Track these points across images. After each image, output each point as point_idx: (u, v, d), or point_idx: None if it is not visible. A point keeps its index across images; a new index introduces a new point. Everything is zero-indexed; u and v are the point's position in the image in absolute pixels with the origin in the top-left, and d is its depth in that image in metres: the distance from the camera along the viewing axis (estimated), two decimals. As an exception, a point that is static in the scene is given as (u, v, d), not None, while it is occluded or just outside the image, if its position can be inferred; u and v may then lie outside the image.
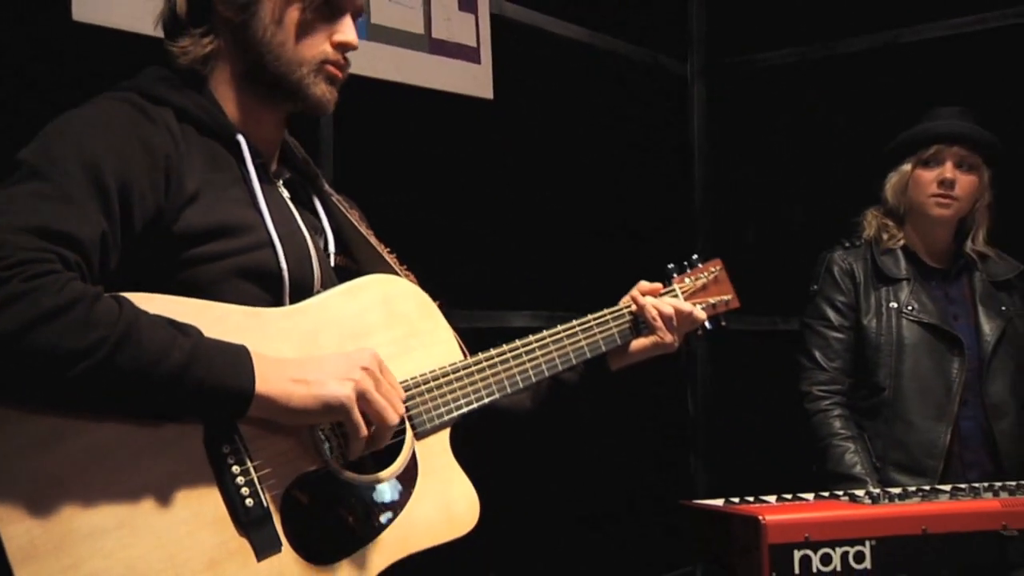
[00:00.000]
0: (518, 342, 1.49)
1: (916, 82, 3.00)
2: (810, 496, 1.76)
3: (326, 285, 1.34)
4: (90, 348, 1.02)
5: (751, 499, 1.72)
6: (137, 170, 1.16)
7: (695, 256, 1.79)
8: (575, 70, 2.92)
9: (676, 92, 3.31)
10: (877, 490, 1.81)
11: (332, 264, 1.40)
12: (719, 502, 1.72)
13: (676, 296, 1.72)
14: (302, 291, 1.29)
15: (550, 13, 2.75)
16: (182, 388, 1.08)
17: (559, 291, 2.73)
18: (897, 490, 1.80)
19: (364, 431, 1.21)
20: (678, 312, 1.65)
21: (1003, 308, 2.40)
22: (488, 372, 1.43)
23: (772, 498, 1.73)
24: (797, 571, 1.55)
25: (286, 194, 1.38)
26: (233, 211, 1.25)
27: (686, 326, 1.69)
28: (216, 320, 1.15)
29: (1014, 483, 1.85)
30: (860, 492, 1.78)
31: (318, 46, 1.31)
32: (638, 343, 1.66)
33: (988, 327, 2.38)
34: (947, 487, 1.85)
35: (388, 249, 1.47)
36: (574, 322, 1.59)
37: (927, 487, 1.85)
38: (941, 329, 2.36)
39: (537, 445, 2.57)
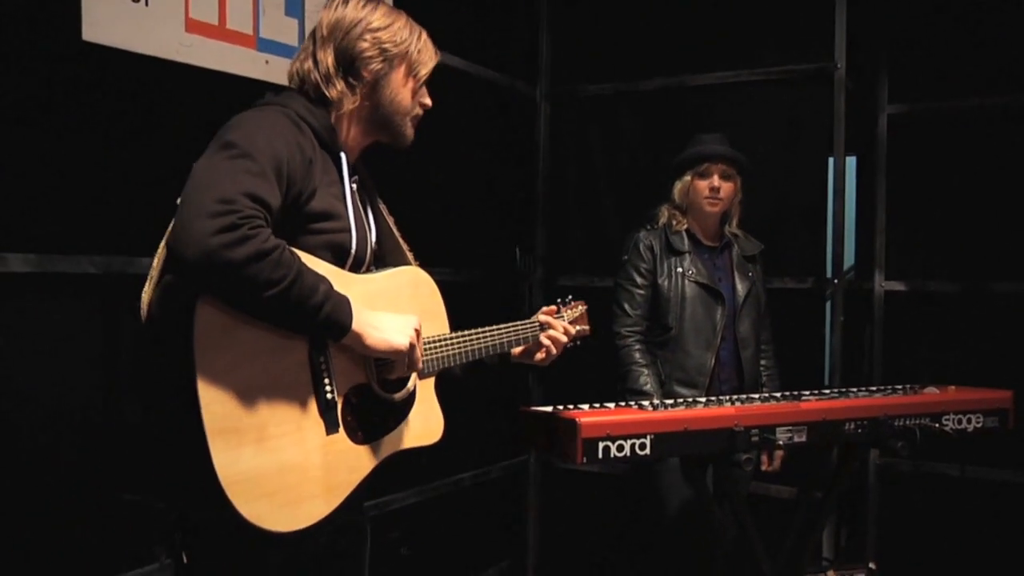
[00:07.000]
0: (478, 330, 1.68)
1: (694, 112, 3.20)
2: (611, 405, 1.88)
3: (369, 265, 1.51)
4: (280, 279, 1.21)
5: (571, 406, 1.82)
6: (296, 165, 1.33)
7: (569, 297, 1.97)
8: (454, 89, 2.95)
9: (528, 109, 3.38)
10: (657, 401, 1.96)
11: (373, 250, 1.54)
12: (549, 408, 1.81)
13: (563, 319, 1.90)
14: (357, 265, 1.46)
15: (437, 46, 2.78)
16: (317, 316, 1.27)
17: (434, 252, 2.80)
18: (670, 401, 1.96)
19: (407, 369, 1.42)
20: (566, 330, 1.85)
21: (750, 274, 2.66)
22: (462, 344, 1.62)
23: (585, 406, 1.84)
24: (600, 456, 1.68)
25: (358, 197, 1.51)
26: (334, 204, 1.42)
27: (569, 340, 1.87)
28: (326, 274, 1.32)
29: (744, 395, 2.06)
30: (645, 402, 1.93)
31: (415, 105, 1.55)
32: (534, 349, 1.82)
33: (740, 287, 2.63)
34: (703, 399, 2.04)
35: (408, 247, 1.64)
36: (512, 324, 1.76)
37: (690, 399, 2.03)
38: (709, 287, 2.58)
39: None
